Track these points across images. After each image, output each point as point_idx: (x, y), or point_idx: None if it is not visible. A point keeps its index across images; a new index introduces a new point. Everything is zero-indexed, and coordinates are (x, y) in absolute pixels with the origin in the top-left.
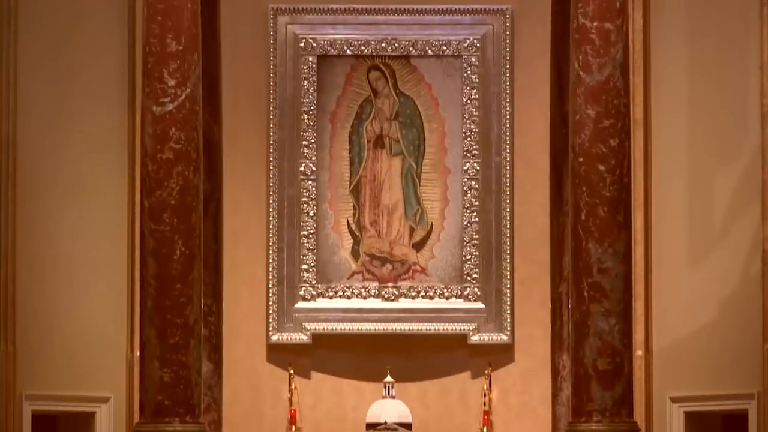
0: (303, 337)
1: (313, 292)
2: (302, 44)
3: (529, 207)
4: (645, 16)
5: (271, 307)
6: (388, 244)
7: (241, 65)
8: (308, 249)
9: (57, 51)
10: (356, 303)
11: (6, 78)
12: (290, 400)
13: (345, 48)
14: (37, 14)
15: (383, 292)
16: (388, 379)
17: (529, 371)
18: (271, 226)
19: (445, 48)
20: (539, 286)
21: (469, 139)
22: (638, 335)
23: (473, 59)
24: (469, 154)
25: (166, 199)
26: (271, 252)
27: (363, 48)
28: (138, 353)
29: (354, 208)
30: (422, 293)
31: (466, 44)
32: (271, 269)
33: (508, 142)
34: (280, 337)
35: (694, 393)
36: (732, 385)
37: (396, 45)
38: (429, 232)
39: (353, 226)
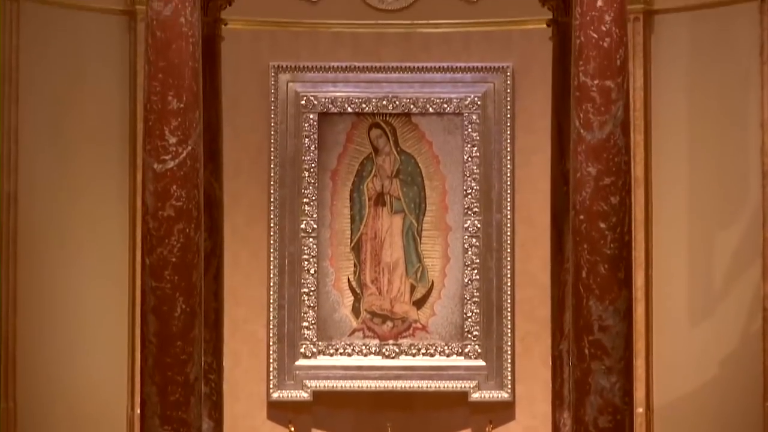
0: (304, 395)
1: (314, 350)
2: (303, 102)
3: (529, 264)
4: (645, 74)
5: (271, 365)
6: (388, 302)
7: (242, 123)
8: (309, 306)
9: (58, 108)
10: (357, 360)
11: (7, 134)
12: None
13: (346, 105)
14: (38, 72)
15: (384, 350)
16: None
17: (529, 429)
18: (271, 284)
19: (446, 106)
20: (540, 344)
21: (469, 196)
22: (639, 393)
23: (474, 117)
24: (470, 212)
25: (167, 257)
26: (271, 309)
27: (364, 106)
28: (138, 411)
29: (355, 265)
30: (423, 351)
31: (467, 102)
32: (271, 326)
33: (508, 199)
34: (281, 395)
35: None
36: None
37: (397, 103)
38: (430, 290)
39: (354, 284)
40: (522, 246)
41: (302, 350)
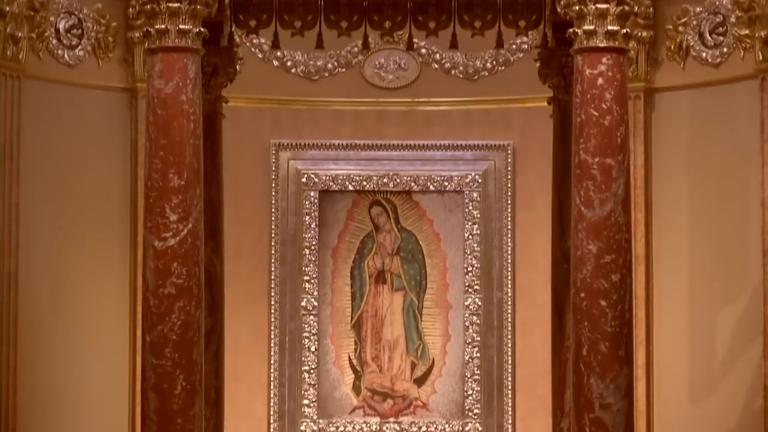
0: None
1: (315, 428)
2: (304, 179)
3: (530, 342)
4: (646, 151)
5: None
6: (389, 380)
7: (243, 200)
8: (309, 384)
9: (59, 186)
10: None
11: (8, 213)
12: None
13: (347, 183)
14: (39, 149)
15: (385, 428)
16: None
17: None
18: (272, 361)
19: (446, 183)
20: (541, 422)
21: (470, 274)
22: None
23: (475, 194)
24: (470, 290)
25: (167, 334)
26: (272, 387)
27: (365, 183)
28: None
29: (355, 343)
30: (424, 429)
31: (467, 180)
32: (272, 404)
33: (509, 277)
34: None
35: None
36: None
37: (398, 180)
38: (430, 368)
39: (355, 361)
40: (523, 324)
41: (303, 428)
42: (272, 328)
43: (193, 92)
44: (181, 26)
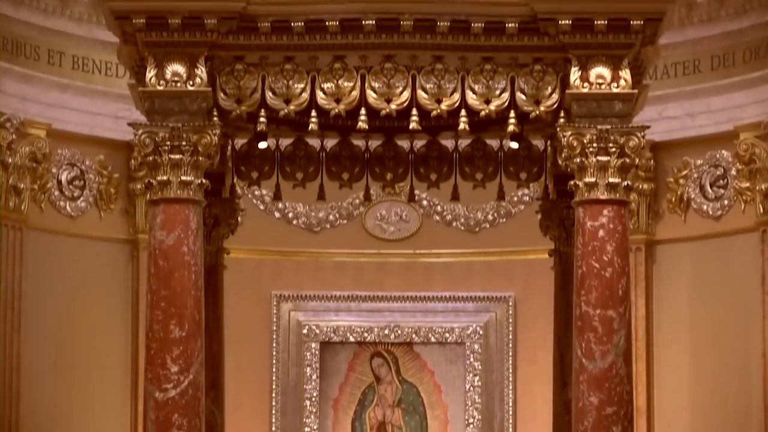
0: None
1: None
2: (305, 331)
3: None
4: (647, 303)
5: None
6: None
7: (244, 351)
8: None
9: (60, 336)
10: None
11: (9, 363)
12: None
13: (348, 335)
14: (40, 299)
15: None
16: None
17: None
18: None
19: (448, 335)
20: None
21: (471, 425)
22: None
23: (476, 346)
24: None
25: None
26: None
27: (366, 335)
28: None
29: None
30: None
31: (468, 331)
32: None
33: (510, 429)
34: None
35: None
36: None
37: (399, 332)
38: None
39: None
40: None
41: None
42: None
43: (195, 244)
44: (183, 178)
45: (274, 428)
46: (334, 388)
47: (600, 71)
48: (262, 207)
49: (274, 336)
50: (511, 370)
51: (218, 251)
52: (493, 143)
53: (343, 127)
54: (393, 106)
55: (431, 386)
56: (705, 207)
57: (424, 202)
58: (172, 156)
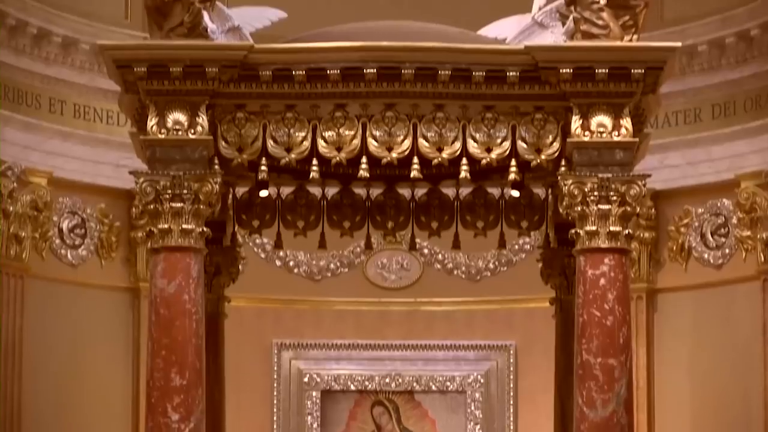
0: None
1: None
2: (306, 379)
3: None
4: (648, 351)
5: None
6: None
7: (245, 399)
8: None
9: (60, 384)
10: None
11: (9, 412)
12: None
13: (349, 383)
14: (41, 348)
15: None
16: None
17: None
18: None
19: (449, 384)
20: None
21: None
22: None
23: (477, 395)
24: None
25: None
26: None
27: (367, 383)
28: None
29: None
30: None
31: (470, 380)
32: None
33: None
34: None
35: None
36: None
37: (400, 381)
38: None
39: None
40: None
41: None
42: None
43: (196, 292)
44: (184, 226)
45: None
46: None
47: (601, 120)
48: (263, 255)
49: (275, 384)
50: (512, 419)
51: (219, 299)
52: (494, 191)
53: (344, 176)
54: (394, 155)
55: None
56: (706, 255)
57: (425, 251)
58: (174, 204)
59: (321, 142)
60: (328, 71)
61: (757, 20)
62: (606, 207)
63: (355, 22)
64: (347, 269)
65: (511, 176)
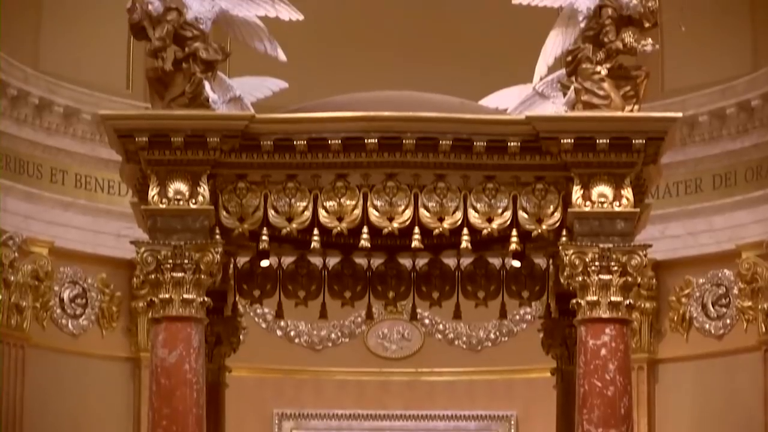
0: None
1: None
2: None
3: None
4: (650, 421)
5: None
6: None
7: None
8: None
9: None
10: None
11: None
12: None
13: None
14: (41, 417)
15: None
16: None
17: None
18: None
19: None
20: None
21: None
22: None
23: None
24: None
25: None
26: None
27: None
28: None
29: None
30: None
31: None
32: None
33: None
34: None
35: None
36: None
37: None
38: None
39: None
40: None
41: None
42: None
43: (197, 362)
44: (185, 296)
45: None
46: None
47: (602, 190)
48: (264, 325)
49: None
50: None
51: (220, 369)
52: (496, 261)
53: (345, 245)
54: (395, 225)
55: None
56: (707, 326)
57: (426, 321)
58: (175, 274)
59: (322, 212)
60: (329, 141)
61: (758, 90)
62: (607, 277)
63: (356, 92)
64: (348, 339)
65: (512, 246)
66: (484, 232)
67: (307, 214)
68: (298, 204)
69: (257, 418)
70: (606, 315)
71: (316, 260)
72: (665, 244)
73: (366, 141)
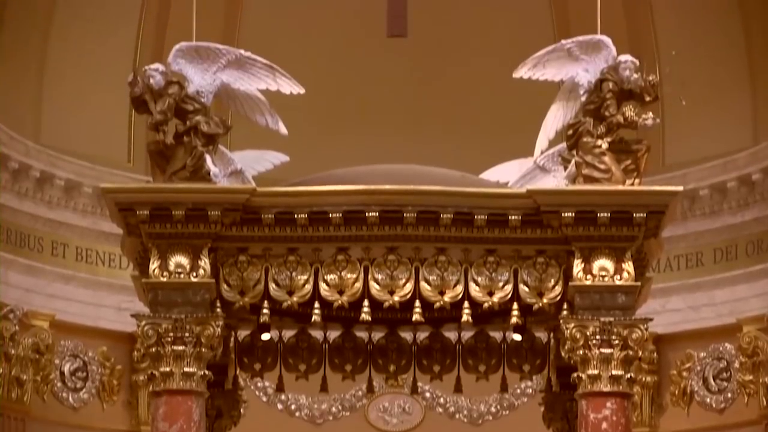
0: None
1: None
2: None
3: None
4: None
5: None
6: None
7: None
8: None
9: None
10: None
11: None
12: None
13: None
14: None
15: None
16: None
17: None
18: None
19: None
20: None
21: None
22: None
23: None
24: None
25: None
26: None
27: None
28: None
29: None
30: None
31: None
32: None
33: None
34: None
35: None
36: None
37: None
38: None
39: None
40: None
41: None
42: None
43: None
44: (185, 369)
45: None
46: None
47: (603, 263)
48: (264, 398)
49: None
50: None
51: None
52: (496, 335)
53: (346, 319)
54: (396, 298)
55: None
56: (708, 400)
57: (427, 394)
58: (175, 347)
59: (323, 286)
60: (330, 214)
61: (759, 164)
62: (608, 351)
63: (357, 165)
64: (349, 413)
65: (513, 320)
66: (485, 305)
67: (308, 287)
68: (299, 277)
69: None
70: (607, 389)
71: (317, 333)
72: (666, 317)
73: (367, 214)
